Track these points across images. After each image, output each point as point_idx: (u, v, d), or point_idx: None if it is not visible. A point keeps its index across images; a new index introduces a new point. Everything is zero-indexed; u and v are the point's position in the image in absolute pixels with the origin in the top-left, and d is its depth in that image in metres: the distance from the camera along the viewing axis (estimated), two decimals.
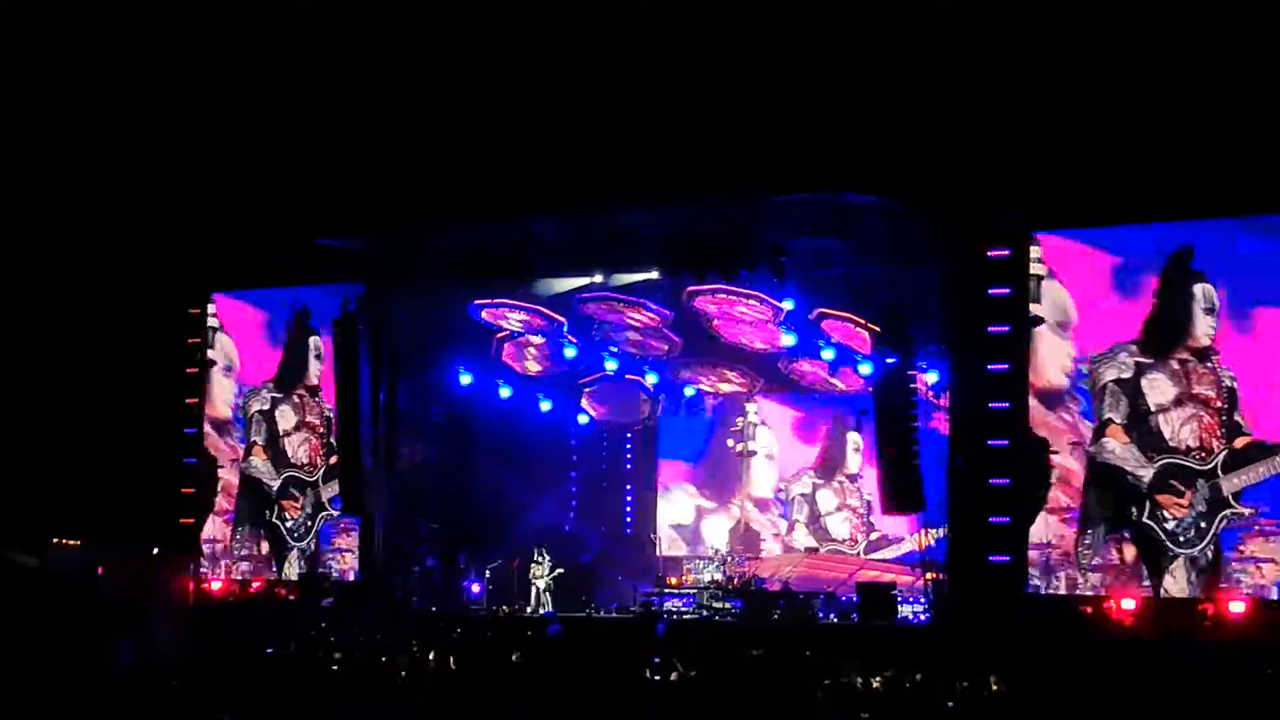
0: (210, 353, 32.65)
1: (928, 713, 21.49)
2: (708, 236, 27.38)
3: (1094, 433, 25.11)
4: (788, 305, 28.51)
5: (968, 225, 25.74)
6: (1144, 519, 24.61)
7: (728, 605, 29.07)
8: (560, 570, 30.51)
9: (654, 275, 29.20)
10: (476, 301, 30.63)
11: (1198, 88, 23.49)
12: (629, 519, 34.71)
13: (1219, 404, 24.19)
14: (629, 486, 34.87)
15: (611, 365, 31.91)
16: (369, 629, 27.23)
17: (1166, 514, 24.44)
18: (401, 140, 27.69)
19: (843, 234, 26.76)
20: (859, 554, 31.78)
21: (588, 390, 33.38)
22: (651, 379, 32.61)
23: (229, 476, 32.34)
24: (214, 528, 32.24)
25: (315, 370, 31.73)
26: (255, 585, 31.62)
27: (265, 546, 31.85)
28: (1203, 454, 24.25)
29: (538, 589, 30.27)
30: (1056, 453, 25.16)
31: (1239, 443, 24.03)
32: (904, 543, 30.66)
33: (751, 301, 28.89)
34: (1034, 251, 25.44)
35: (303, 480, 31.77)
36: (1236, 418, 24.05)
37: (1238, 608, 23.60)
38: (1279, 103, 23.12)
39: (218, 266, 31.83)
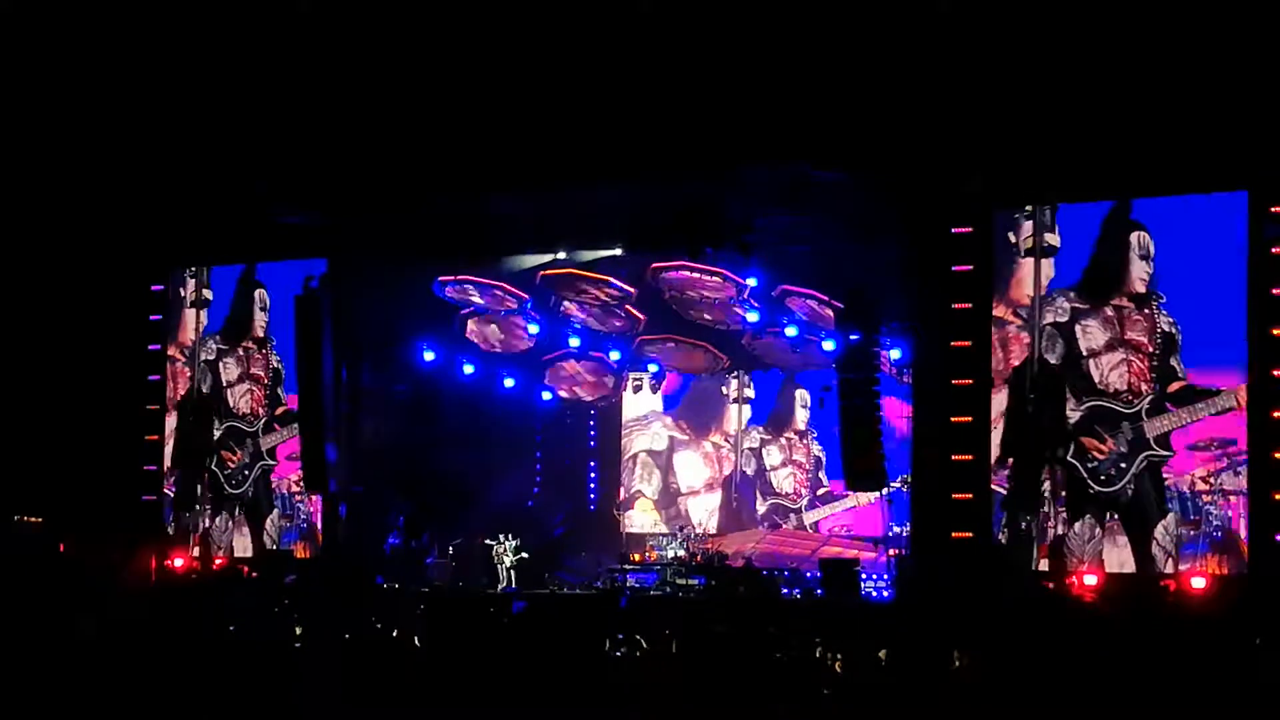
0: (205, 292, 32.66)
1: (891, 688, 21.53)
2: (672, 213, 27.35)
3: None
4: (751, 282, 28.51)
5: (931, 202, 25.77)
6: (1069, 458, 24.95)
7: (691, 581, 29.09)
8: (524, 554, 30.48)
9: (618, 252, 29.17)
10: (440, 278, 30.55)
11: (1159, 65, 23.52)
12: (593, 496, 34.71)
13: (1151, 349, 24.60)
14: (593, 464, 34.87)
15: (575, 342, 31.88)
16: (331, 606, 27.18)
17: (1089, 455, 24.79)
18: (364, 116, 27.57)
19: (807, 210, 26.75)
20: (801, 509, 32.10)
21: (551, 367, 33.34)
22: (615, 355, 32.57)
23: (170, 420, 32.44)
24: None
25: (260, 321, 31.71)
26: (219, 563, 31.51)
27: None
28: (1130, 397, 24.58)
29: (502, 567, 30.25)
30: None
31: (1172, 387, 24.45)
32: (848, 498, 30.84)
33: (715, 278, 28.88)
34: None
35: (242, 431, 31.77)
36: (1172, 363, 24.44)
37: (1199, 583, 23.71)
38: (1235, 84, 23.20)
39: (179, 242, 31.72)
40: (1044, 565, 24.76)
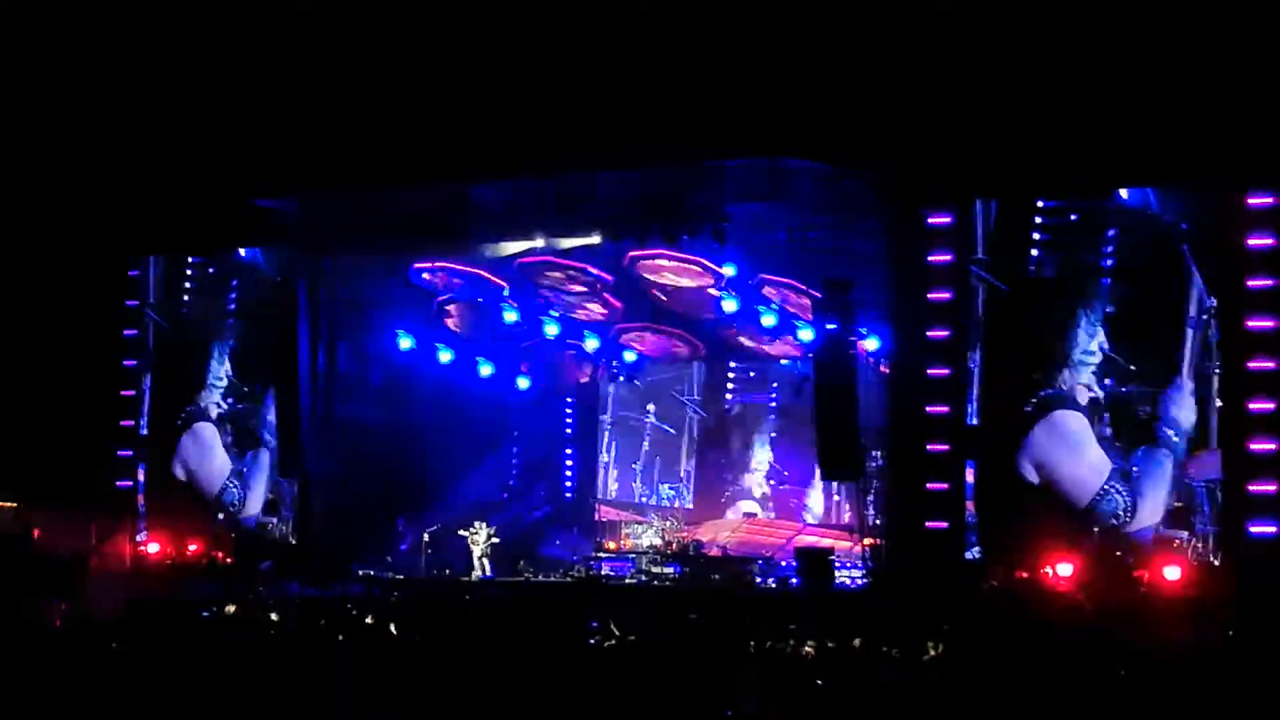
0: None
1: (865, 677, 21.51)
2: (650, 201, 27.33)
3: None
4: (729, 270, 28.50)
5: (909, 191, 25.76)
6: None
7: (666, 570, 29.09)
8: (496, 540, 30.44)
9: (595, 239, 29.12)
10: (417, 265, 30.50)
11: (1137, 60, 23.57)
12: (570, 484, 34.66)
13: None
14: (569, 451, 34.81)
15: (552, 329, 31.81)
16: (306, 592, 27.17)
17: None
18: (342, 101, 27.54)
19: (784, 199, 26.73)
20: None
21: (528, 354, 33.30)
22: (592, 344, 32.50)
23: None
24: None
25: None
26: (193, 548, 31.45)
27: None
28: None
29: (475, 555, 30.22)
30: None
31: None
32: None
33: (693, 266, 28.87)
34: None
35: None
36: None
37: (1172, 573, 23.75)
38: (1214, 79, 23.25)
39: (155, 227, 31.61)
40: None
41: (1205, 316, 23.93)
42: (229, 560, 30.74)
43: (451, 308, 31.68)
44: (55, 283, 31.49)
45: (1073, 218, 25.08)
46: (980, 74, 24.23)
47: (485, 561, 30.14)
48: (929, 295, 25.74)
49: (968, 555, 25.34)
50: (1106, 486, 24.61)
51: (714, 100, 25.07)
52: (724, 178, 26.31)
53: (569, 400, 34.59)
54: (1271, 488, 23.44)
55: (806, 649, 21.92)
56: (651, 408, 33.58)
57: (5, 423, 31.07)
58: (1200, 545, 24.02)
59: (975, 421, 25.51)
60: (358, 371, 31.28)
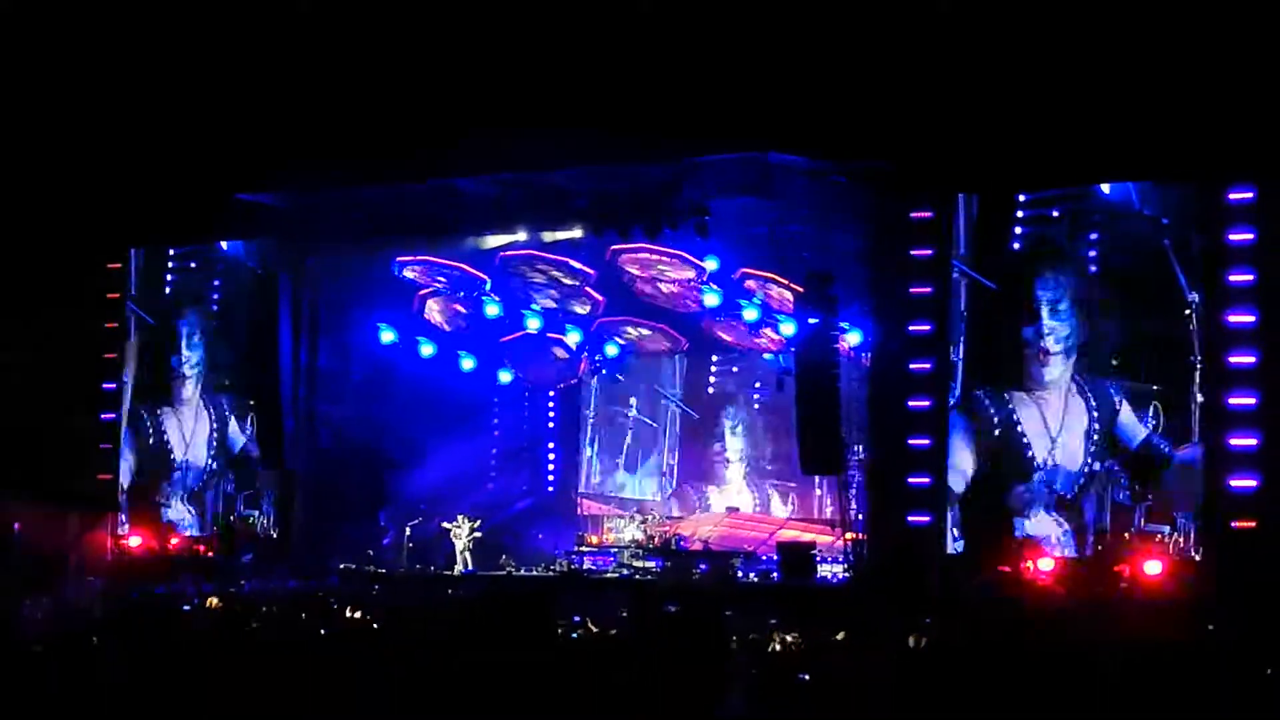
0: None
1: (847, 671, 21.52)
2: (632, 194, 27.31)
3: None
4: (711, 264, 28.51)
5: (892, 186, 25.78)
6: None
7: (648, 564, 29.11)
8: (478, 534, 30.42)
9: (578, 233, 29.11)
10: (399, 258, 30.48)
11: (1117, 57, 23.59)
12: (552, 478, 34.65)
13: None
14: (552, 445, 34.80)
15: (534, 323, 31.80)
16: (289, 586, 27.14)
17: None
18: (326, 95, 27.48)
19: (767, 193, 26.72)
20: None
21: (510, 348, 33.27)
22: (575, 337, 32.48)
23: None
24: None
25: None
26: (175, 542, 31.42)
27: None
28: None
29: (457, 549, 30.20)
30: None
31: None
32: None
33: (675, 260, 28.87)
34: None
35: None
36: None
37: (1154, 568, 23.79)
38: (1194, 75, 23.27)
39: (138, 220, 31.54)
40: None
41: (1187, 311, 23.99)
42: (210, 554, 30.71)
43: (433, 302, 31.67)
44: (36, 275, 31.40)
45: (1054, 213, 25.12)
46: (963, 69, 24.24)
47: (467, 555, 30.12)
48: (911, 289, 25.79)
49: (950, 550, 25.39)
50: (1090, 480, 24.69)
51: (698, 95, 25.05)
52: (708, 172, 26.30)
53: (551, 394, 34.57)
54: (1252, 482, 23.49)
55: (788, 643, 21.95)
56: (634, 401, 33.59)
57: None
58: (1182, 540, 24.06)
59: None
60: (339, 366, 31.25)
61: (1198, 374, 24.01)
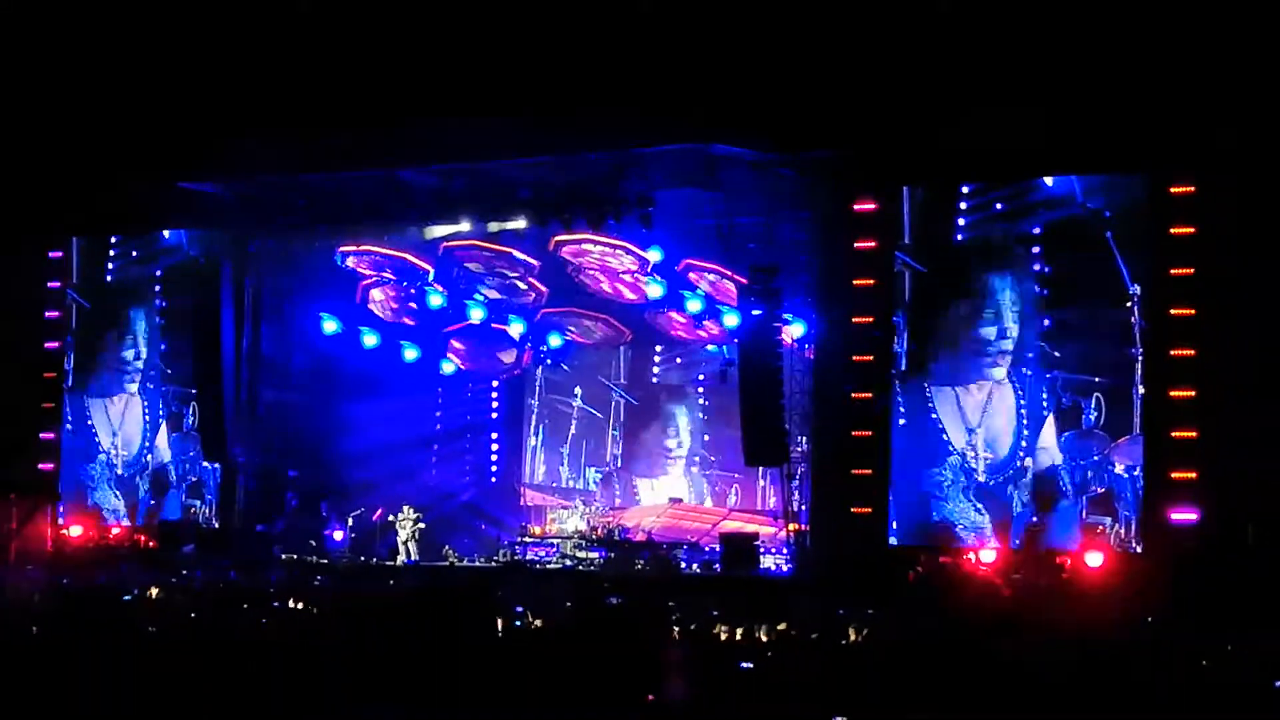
0: None
1: (789, 661, 21.56)
2: (575, 185, 27.29)
3: None
4: (654, 255, 28.50)
5: (836, 178, 25.83)
6: None
7: (591, 555, 29.08)
8: (421, 525, 30.34)
9: (522, 224, 29.06)
10: (342, 248, 30.39)
11: (1064, 46, 23.69)
12: (495, 469, 34.55)
13: None
14: (495, 436, 34.71)
15: (478, 314, 31.72)
16: (229, 576, 27.02)
17: None
18: (265, 83, 27.37)
19: (711, 185, 26.74)
20: None
21: (453, 339, 33.18)
22: (518, 328, 32.40)
23: None
24: None
25: None
26: (116, 532, 31.28)
27: None
28: None
29: (400, 539, 30.11)
30: None
31: None
32: None
33: (618, 251, 28.84)
34: None
35: None
36: None
37: (1095, 560, 23.89)
38: (1139, 68, 23.39)
39: (81, 209, 31.35)
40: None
41: (1129, 304, 24.08)
42: (151, 544, 30.58)
43: (376, 291, 31.58)
44: None
45: (998, 206, 25.19)
46: (907, 62, 24.29)
47: (410, 546, 30.03)
48: (854, 281, 25.82)
49: (892, 540, 25.45)
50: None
51: (643, 87, 25.04)
52: (651, 163, 26.29)
53: (495, 385, 34.47)
54: (1193, 475, 23.59)
55: (731, 633, 21.97)
56: (578, 392, 33.54)
57: None
58: (1123, 532, 24.17)
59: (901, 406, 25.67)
60: (282, 355, 31.15)
61: (1139, 366, 24.11)
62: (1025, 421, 24.80)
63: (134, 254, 31.95)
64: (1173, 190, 23.84)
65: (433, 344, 32.89)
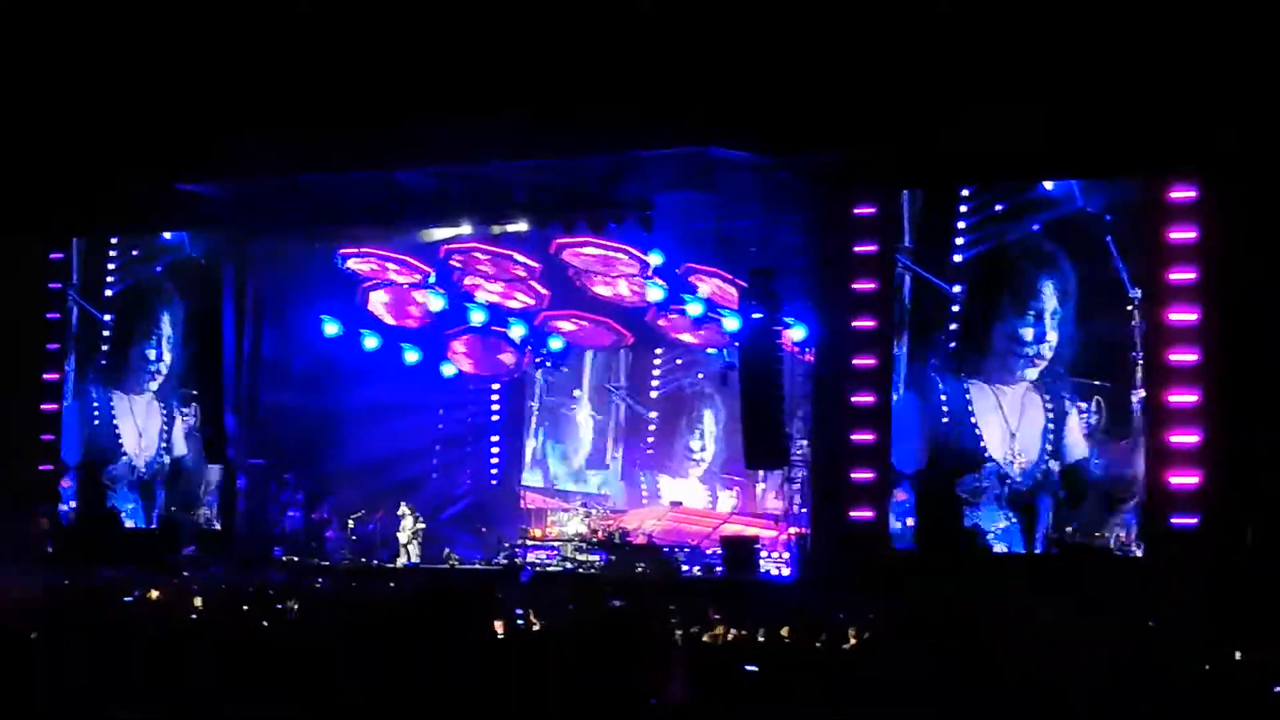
0: None
1: (789, 665, 21.55)
2: (575, 188, 27.29)
3: None
4: (655, 259, 28.53)
5: (835, 181, 25.83)
6: None
7: (592, 557, 29.09)
8: (421, 526, 30.35)
9: (523, 227, 29.08)
10: (342, 250, 30.39)
11: (1063, 48, 23.69)
12: (496, 471, 34.55)
13: None
14: (496, 439, 34.70)
15: (478, 316, 31.72)
16: (229, 578, 27.01)
17: None
18: (262, 84, 27.37)
19: (710, 188, 26.74)
20: None
21: (454, 342, 33.18)
22: (519, 331, 32.40)
23: None
24: None
25: None
26: (116, 534, 31.25)
27: None
28: None
29: (401, 541, 30.13)
30: None
31: None
32: None
33: (619, 254, 28.86)
34: None
35: None
36: None
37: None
38: (1138, 72, 23.38)
39: (80, 210, 31.34)
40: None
41: (1129, 308, 24.07)
42: (153, 545, 30.55)
43: (377, 294, 31.59)
44: None
45: (998, 208, 25.17)
46: (905, 65, 24.28)
47: (410, 548, 30.04)
48: (854, 285, 25.82)
49: (898, 545, 25.42)
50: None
51: (642, 89, 25.04)
52: (652, 167, 26.30)
53: (495, 387, 34.47)
54: (1194, 480, 23.58)
55: (730, 637, 21.97)
56: (578, 395, 33.54)
57: None
58: (1123, 535, 24.15)
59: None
60: (283, 357, 31.15)
61: (1139, 371, 24.09)
62: (1051, 425, 24.72)
63: (134, 253, 31.87)
64: (1172, 195, 23.82)
65: (433, 346, 32.88)
